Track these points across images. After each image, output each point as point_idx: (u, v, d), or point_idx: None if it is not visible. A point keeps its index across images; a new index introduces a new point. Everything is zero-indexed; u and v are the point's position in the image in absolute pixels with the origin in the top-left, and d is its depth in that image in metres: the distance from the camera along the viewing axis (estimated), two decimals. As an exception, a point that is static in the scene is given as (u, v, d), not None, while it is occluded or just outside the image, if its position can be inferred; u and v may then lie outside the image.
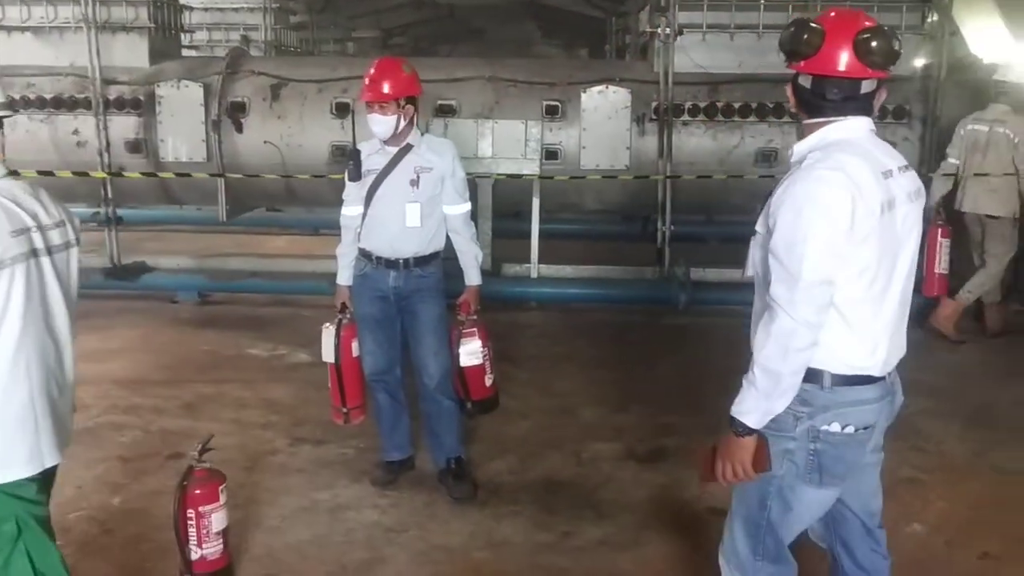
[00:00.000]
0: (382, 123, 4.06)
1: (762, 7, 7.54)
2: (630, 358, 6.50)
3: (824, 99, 2.40)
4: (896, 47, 2.35)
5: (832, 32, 2.34)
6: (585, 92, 7.55)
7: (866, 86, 2.39)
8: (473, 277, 4.40)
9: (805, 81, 2.42)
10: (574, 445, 4.96)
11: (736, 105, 7.59)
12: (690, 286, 7.42)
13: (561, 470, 4.68)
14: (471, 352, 4.35)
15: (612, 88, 7.54)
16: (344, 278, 4.40)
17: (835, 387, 2.39)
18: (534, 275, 7.68)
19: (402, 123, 4.10)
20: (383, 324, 4.33)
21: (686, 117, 7.62)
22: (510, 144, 7.39)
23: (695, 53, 7.56)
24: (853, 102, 2.40)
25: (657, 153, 7.62)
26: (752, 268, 2.53)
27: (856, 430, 2.42)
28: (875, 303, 2.40)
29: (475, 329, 4.38)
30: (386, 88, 4.04)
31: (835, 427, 2.41)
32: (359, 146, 4.34)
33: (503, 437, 5.00)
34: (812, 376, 2.38)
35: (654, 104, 7.61)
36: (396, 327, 4.36)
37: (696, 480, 4.47)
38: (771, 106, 7.59)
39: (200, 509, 3.32)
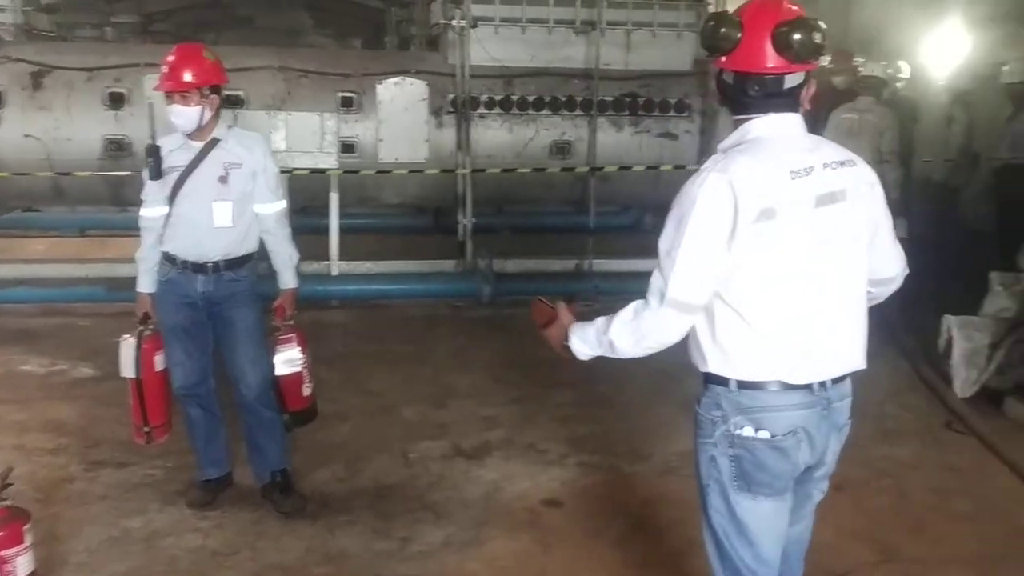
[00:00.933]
0: (185, 115, 3.73)
1: (551, 1, 7.68)
2: (441, 352, 6.45)
3: (746, 95, 2.26)
4: (818, 39, 2.17)
5: (750, 25, 2.21)
6: (381, 84, 7.41)
7: (791, 80, 2.25)
8: (288, 279, 4.16)
9: (728, 76, 2.29)
10: (400, 445, 4.83)
11: (530, 98, 7.71)
12: (493, 278, 7.47)
13: (390, 473, 4.53)
14: (288, 360, 4.12)
15: (409, 80, 7.45)
16: (145, 285, 4.02)
17: (741, 390, 2.29)
18: (335, 272, 7.45)
19: (207, 115, 3.79)
20: (192, 333, 4.00)
21: (483, 110, 7.65)
22: (305, 137, 7.11)
23: (489, 46, 7.59)
24: (777, 98, 2.26)
25: (456, 146, 7.60)
26: None
27: (773, 435, 2.29)
28: (792, 313, 2.26)
29: (292, 335, 4.14)
30: (188, 76, 3.71)
31: (748, 431, 2.30)
32: (159, 141, 3.97)
33: (325, 443, 4.78)
34: (718, 379, 2.33)
35: (451, 97, 7.57)
36: (207, 335, 4.03)
37: (527, 475, 4.53)
38: (564, 99, 7.78)
39: (2, 554, 2.92)
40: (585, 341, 2.43)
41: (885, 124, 7.41)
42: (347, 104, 7.45)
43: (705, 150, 7.86)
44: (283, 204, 4.10)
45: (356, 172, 7.31)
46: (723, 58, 2.26)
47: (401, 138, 7.48)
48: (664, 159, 7.90)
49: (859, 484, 4.48)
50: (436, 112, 7.59)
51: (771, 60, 2.20)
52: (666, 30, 7.90)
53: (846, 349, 2.36)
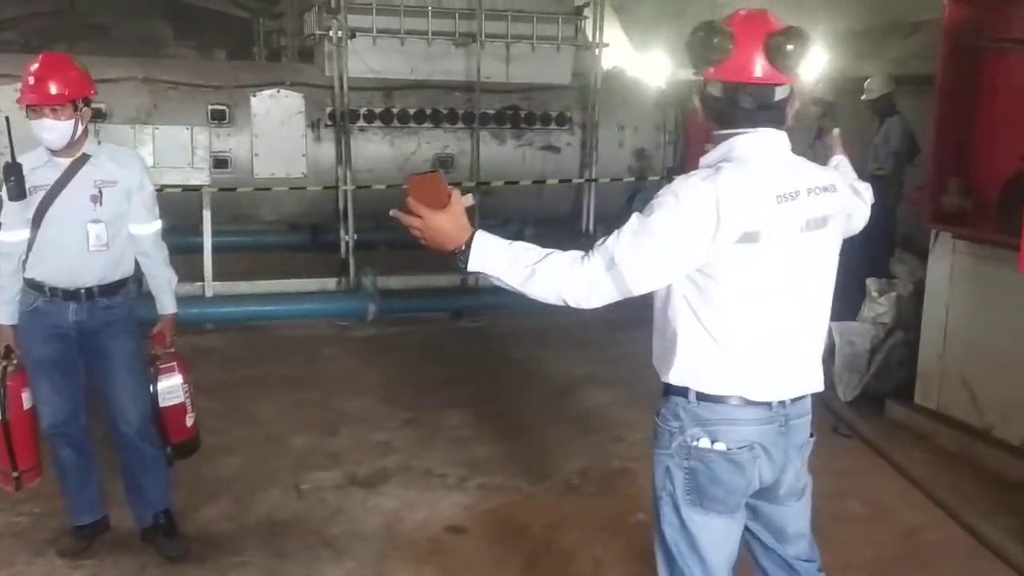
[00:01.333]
0: (57, 130, 3.43)
1: (430, 13, 7.56)
2: (328, 375, 6.21)
3: (736, 108, 2.19)
4: (809, 48, 2.14)
5: (741, 35, 2.13)
6: (255, 96, 7.12)
7: (779, 93, 2.20)
8: (168, 304, 3.88)
9: (714, 89, 2.21)
10: (291, 477, 4.58)
11: (411, 111, 7.56)
12: (378, 296, 7.27)
13: (283, 507, 4.29)
14: (170, 390, 3.85)
15: (284, 92, 7.18)
16: (7, 316, 3.66)
17: (701, 402, 2.25)
18: (209, 294, 7.08)
19: (79, 129, 3.50)
20: (62, 366, 3.66)
21: (362, 123, 7.45)
22: (175, 152, 6.75)
23: (367, 57, 7.41)
24: (766, 111, 2.21)
25: (336, 160, 7.37)
26: None
27: (728, 448, 2.25)
28: (762, 333, 2.23)
29: (174, 363, 3.88)
30: (57, 88, 3.41)
31: (704, 443, 2.25)
32: (19, 159, 3.63)
33: (210, 478, 4.49)
34: (679, 391, 2.28)
35: (329, 109, 7.35)
36: (78, 369, 3.71)
37: (427, 501, 4.37)
38: (445, 112, 7.65)
39: None
40: (492, 257, 2.16)
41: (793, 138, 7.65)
42: (219, 117, 7.12)
43: (588, 163, 7.90)
44: (159, 224, 3.82)
45: (233, 190, 6.97)
46: (711, 69, 2.18)
47: (277, 152, 7.21)
48: (547, 172, 7.89)
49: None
50: (314, 125, 7.34)
51: (763, 70, 2.15)
52: (545, 43, 7.90)
53: (808, 370, 2.35)
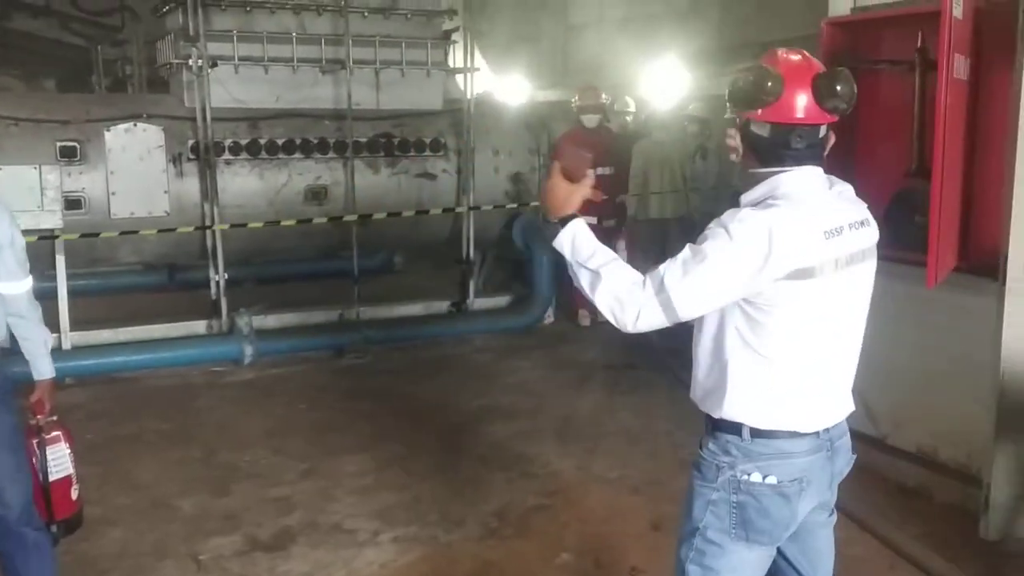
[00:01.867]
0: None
1: (295, 39, 7.26)
2: (210, 427, 5.78)
3: (787, 148, 2.23)
4: (855, 88, 2.22)
5: (790, 77, 2.19)
6: (109, 131, 6.63)
7: (822, 131, 2.27)
8: (45, 369, 3.47)
9: (761, 129, 2.24)
10: (186, 546, 4.20)
11: (280, 142, 7.23)
12: (255, 337, 6.88)
13: (182, 582, 3.93)
14: (58, 461, 3.53)
15: (141, 125, 6.71)
16: None
17: (755, 439, 2.28)
18: (67, 346, 6.50)
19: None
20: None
21: (228, 156, 7.06)
22: (21, 193, 6.15)
23: (230, 86, 7.04)
24: (811, 149, 2.26)
25: (201, 195, 6.94)
26: (696, 322, 2.37)
27: (779, 481, 2.28)
28: (809, 363, 2.28)
29: (58, 432, 3.51)
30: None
31: (756, 477, 2.28)
32: None
33: (95, 556, 4.06)
34: (731, 428, 2.29)
35: (191, 142, 6.92)
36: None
37: (340, 561, 4.10)
38: (315, 142, 7.36)
39: None
40: (578, 244, 2.28)
41: (686, 153, 8.13)
42: (69, 154, 6.58)
43: (465, 188, 7.77)
44: (30, 281, 3.42)
45: (96, 235, 6.44)
46: (759, 111, 2.22)
47: (137, 190, 6.73)
48: (424, 200, 7.71)
49: (675, 521, 4.42)
50: (175, 160, 6.90)
51: (810, 111, 2.21)
52: (415, 68, 7.72)
53: (844, 395, 2.42)
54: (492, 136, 8.00)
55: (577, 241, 2.28)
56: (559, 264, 7.53)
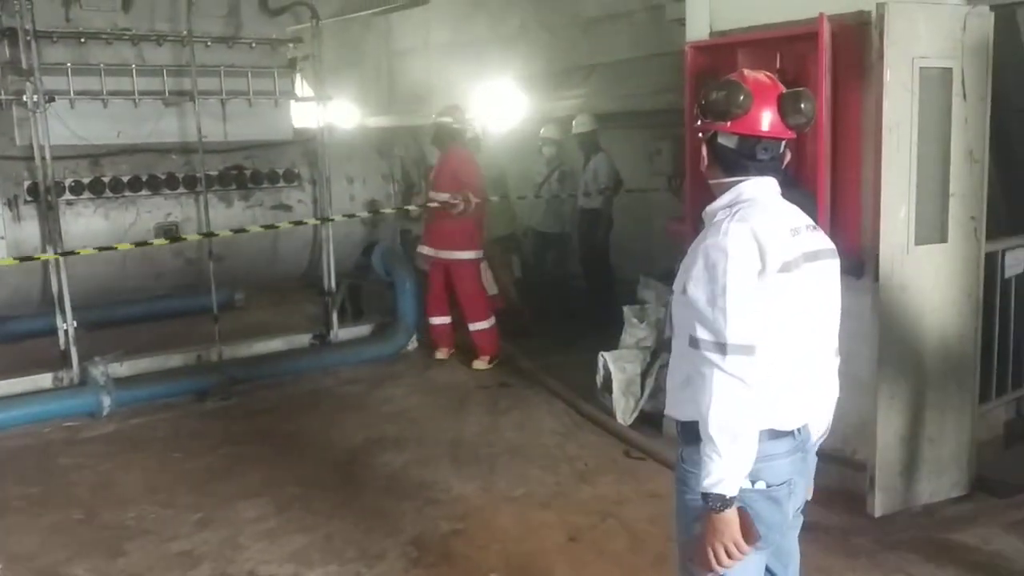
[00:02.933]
0: None
1: (135, 71, 6.93)
2: (80, 487, 5.34)
3: (751, 159, 2.40)
4: (814, 107, 2.42)
5: (757, 93, 2.37)
6: (-66, 175, 6.05)
7: (782, 146, 2.45)
8: None
9: (729, 141, 2.40)
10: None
11: (125, 179, 6.87)
12: (112, 386, 6.47)
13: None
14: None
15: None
16: None
17: None
18: None
19: None
20: None
21: (69, 196, 6.63)
22: None
23: (67, 122, 6.62)
24: (773, 162, 2.43)
25: (42, 239, 6.47)
26: (673, 329, 2.45)
27: (768, 486, 2.37)
28: (796, 356, 2.39)
29: None
30: None
31: (745, 484, 2.33)
32: None
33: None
34: None
35: (27, 183, 6.45)
36: None
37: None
38: (163, 177, 7.05)
39: None
40: (708, 475, 2.25)
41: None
42: None
43: (323, 216, 7.64)
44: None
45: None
46: (728, 123, 2.38)
47: (-31, 237, 6.19)
48: (281, 232, 7.51)
49: (590, 531, 4.62)
50: (10, 203, 6.39)
51: (774, 126, 2.40)
52: (263, 98, 7.54)
53: (816, 397, 2.52)
54: (346, 164, 7.92)
55: (709, 471, 2.24)
56: (422, 289, 7.61)
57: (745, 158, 2.41)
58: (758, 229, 2.32)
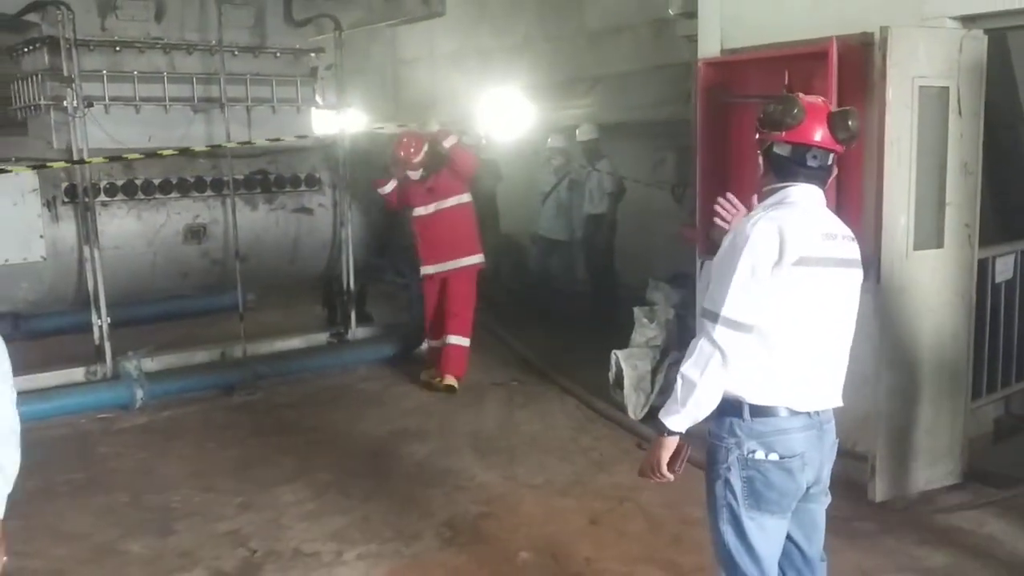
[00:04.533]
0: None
1: (166, 79, 7.24)
2: (122, 473, 5.63)
3: (802, 166, 2.72)
4: (859, 125, 2.75)
5: (809, 109, 2.71)
6: (-19, 176, 6.33)
7: (831, 159, 2.76)
8: None
9: (783, 150, 2.73)
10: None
11: (156, 181, 7.16)
12: (144, 380, 6.76)
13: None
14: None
15: (14, 169, 6.45)
16: None
17: (754, 418, 2.68)
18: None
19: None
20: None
21: (104, 197, 6.91)
22: None
23: (103, 127, 6.91)
24: (821, 171, 2.75)
25: (79, 239, 6.76)
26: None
27: (781, 457, 2.69)
28: (807, 349, 2.69)
29: None
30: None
31: (760, 455, 2.69)
32: None
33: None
34: (733, 408, 2.69)
35: (65, 185, 6.74)
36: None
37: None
38: (192, 180, 7.33)
39: None
40: (665, 408, 2.67)
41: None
42: (-65, 201, 6.24)
43: (344, 222, 7.94)
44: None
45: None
46: (783, 133, 2.72)
47: (9, 236, 6.45)
48: (302, 234, 7.82)
49: (609, 515, 4.94)
50: (49, 204, 6.68)
51: (825, 138, 2.73)
52: (286, 105, 7.86)
53: (836, 387, 2.83)
54: (363, 169, 8.22)
55: (670, 411, 2.66)
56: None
57: (797, 164, 2.73)
58: (784, 225, 2.62)
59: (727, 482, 2.74)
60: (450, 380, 7.10)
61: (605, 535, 4.72)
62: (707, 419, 2.77)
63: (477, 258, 7.31)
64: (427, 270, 7.26)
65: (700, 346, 2.61)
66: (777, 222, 2.64)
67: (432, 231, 7.17)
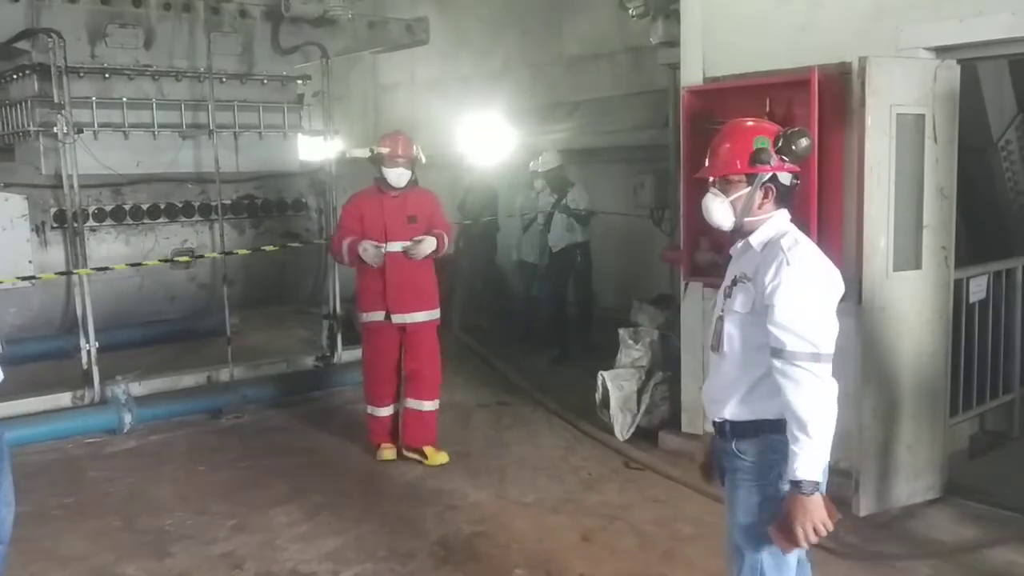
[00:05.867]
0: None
1: (154, 105, 7.31)
2: (114, 497, 5.65)
3: (793, 191, 2.86)
4: None
5: None
6: (-32, 201, 6.36)
7: None
8: None
9: (785, 179, 2.82)
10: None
11: (144, 206, 7.21)
12: (133, 404, 6.78)
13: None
14: None
15: (3, 195, 6.49)
16: None
17: None
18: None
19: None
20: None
21: (92, 222, 6.96)
22: None
23: (89, 153, 6.96)
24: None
25: (67, 264, 6.79)
26: (728, 345, 2.82)
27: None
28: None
29: None
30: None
31: None
32: None
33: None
34: (775, 427, 2.74)
35: (54, 210, 6.78)
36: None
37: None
38: (180, 205, 7.40)
39: None
40: (802, 465, 2.60)
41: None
42: (-76, 227, 6.26)
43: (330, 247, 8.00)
44: None
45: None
46: (792, 162, 2.81)
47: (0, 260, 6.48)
48: (288, 259, 7.88)
49: (600, 532, 5.03)
50: (38, 229, 6.71)
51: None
52: (273, 131, 7.95)
53: None
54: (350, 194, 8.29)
55: (807, 462, 2.61)
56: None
57: (792, 191, 2.87)
58: (822, 254, 2.77)
59: (769, 500, 2.78)
60: (441, 455, 6.15)
61: (598, 552, 4.80)
62: (734, 440, 2.86)
63: (438, 312, 6.26)
64: (373, 316, 6.06)
65: (814, 390, 2.60)
66: (815, 252, 2.75)
67: (403, 273, 5.98)
